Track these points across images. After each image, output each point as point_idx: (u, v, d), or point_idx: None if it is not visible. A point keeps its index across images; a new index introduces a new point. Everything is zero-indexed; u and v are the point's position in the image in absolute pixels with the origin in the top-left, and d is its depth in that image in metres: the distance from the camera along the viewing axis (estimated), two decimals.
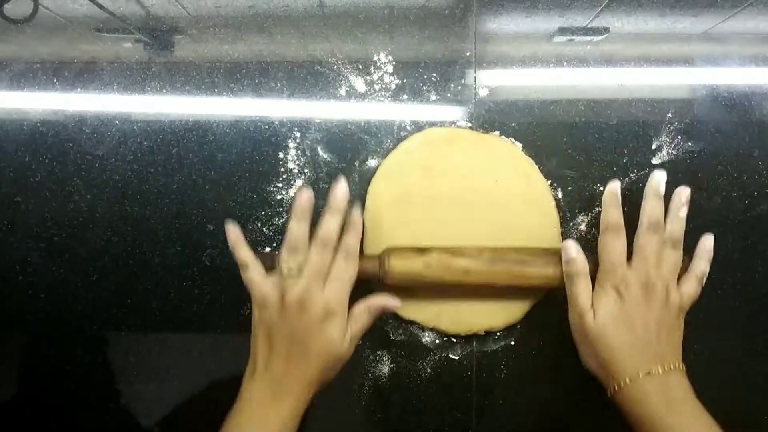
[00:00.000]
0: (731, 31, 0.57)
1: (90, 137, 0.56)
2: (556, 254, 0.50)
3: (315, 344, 0.46)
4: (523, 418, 0.54)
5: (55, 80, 0.56)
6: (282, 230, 0.54)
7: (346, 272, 0.48)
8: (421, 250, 0.50)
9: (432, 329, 0.54)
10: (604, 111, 0.55)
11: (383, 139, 0.55)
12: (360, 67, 0.55)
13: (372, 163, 0.55)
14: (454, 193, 0.53)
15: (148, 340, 0.51)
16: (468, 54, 0.56)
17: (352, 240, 0.49)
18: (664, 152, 0.55)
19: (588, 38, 0.56)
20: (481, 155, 0.54)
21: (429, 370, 0.54)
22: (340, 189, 0.49)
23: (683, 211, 0.49)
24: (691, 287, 0.48)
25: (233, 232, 0.49)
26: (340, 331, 0.47)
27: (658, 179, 0.49)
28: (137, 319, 0.55)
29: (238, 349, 0.54)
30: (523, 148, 0.55)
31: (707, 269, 0.49)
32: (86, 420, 0.56)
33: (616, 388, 0.46)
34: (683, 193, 0.50)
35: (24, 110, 0.56)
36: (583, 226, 0.54)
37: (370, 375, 0.54)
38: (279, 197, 0.55)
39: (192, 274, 0.54)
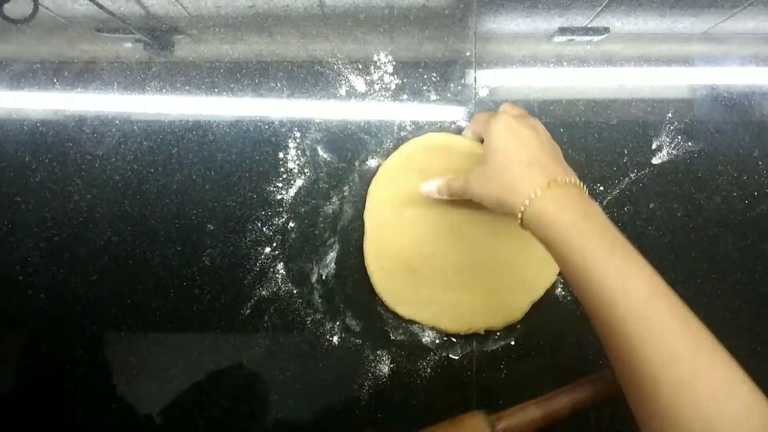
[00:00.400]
0: (731, 31, 0.57)
1: (90, 137, 0.56)
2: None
3: None
4: None
5: (55, 80, 0.56)
6: (282, 230, 0.54)
7: None
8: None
9: (432, 328, 0.54)
10: (604, 111, 0.55)
11: (383, 139, 0.55)
12: (360, 67, 0.55)
13: (372, 163, 0.55)
14: None
15: (148, 340, 0.51)
16: (468, 54, 0.56)
17: None
18: (664, 152, 0.55)
19: (588, 38, 0.56)
20: (477, 161, 0.54)
21: (429, 370, 0.54)
22: None
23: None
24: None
25: None
26: None
27: None
28: (137, 319, 0.55)
29: (238, 348, 0.55)
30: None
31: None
32: (86, 420, 0.56)
33: (523, 209, 0.42)
34: None
35: (24, 110, 0.56)
36: None
37: (370, 375, 0.54)
38: (279, 197, 0.55)
39: (192, 274, 0.54)
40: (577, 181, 0.43)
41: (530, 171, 0.43)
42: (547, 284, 0.53)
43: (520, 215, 0.42)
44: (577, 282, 0.39)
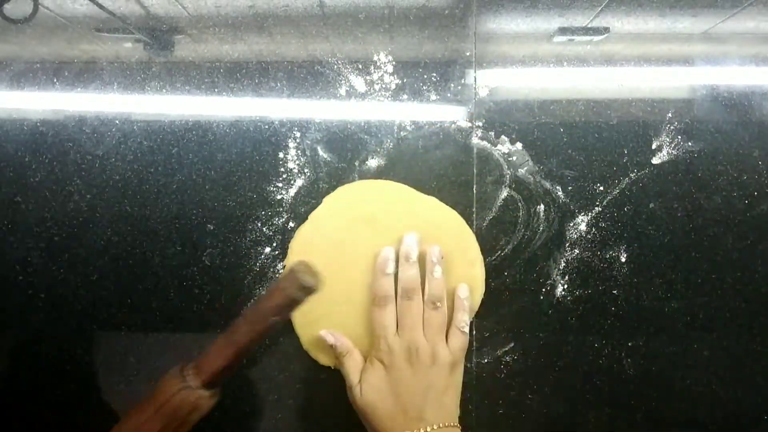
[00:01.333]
0: (731, 31, 0.57)
1: (90, 137, 0.56)
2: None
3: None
4: (523, 418, 0.54)
5: (55, 80, 0.56)
6: (282, 230, 0.54)
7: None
8: None
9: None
10: (604, 111, 0.55)
11: (383, 139, 0.55)
12: (360, 67, 0.55)
13: (372, 163, 0.55)
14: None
15: (148, 340, 0.51)
16: (468, 54, 0.56)
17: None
18: (664, 152, 0.55)
19: (588, 38, 0.56)
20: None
21: None
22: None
23: (437, 271, 0.50)
24: (457, 340, 0.49)
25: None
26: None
27: (409, 244, 0.50)
28: (137, 319, 0.55)
29: None
30: (523, 147, 0.55)
31: (467, 318, 0.50)
32: (86, 420, 0.56)
33: None
34: (434, 253, 0.50)
35: (24, 110, 0.56)
36: (583, 226, 0.54)
37: None
38: (279, 197, 0.55)
39: (192, 274, 0.54)
40: (451, 421, 0.47)
41: (394, 426, 0.46)
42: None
43: None
44: None
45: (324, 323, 0.53)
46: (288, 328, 0.54)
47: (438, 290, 0.49)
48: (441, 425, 0.46)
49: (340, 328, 0.53)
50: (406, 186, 0.54)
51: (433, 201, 0.54)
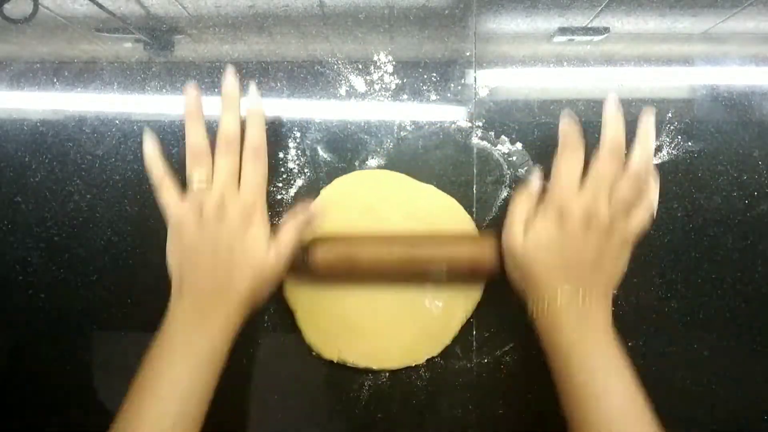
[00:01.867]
0: (731, 31, 0.57)
1: (90, 137, 0.56)
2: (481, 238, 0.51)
3: (239, 254, 0.45)
4: (523, 418, 0.54)
5: (55, 80, 0.56)
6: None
7: (256, 172, 0.47)
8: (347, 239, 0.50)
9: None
10: (596, 110, 0.55)
11: (383, 139, 0.55)
12: (360, 67, 0.55)
13: (372, 163, 0.55)
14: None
15: (147, 340, 0.51)
16: (468, 54, 0.56)
17: (255, 134, 0.47)
18: (664, 152, 0.55)
19: (588, 38, 0.56)
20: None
21: (429, 371, 0.54)
22: (229, 82, 0.47)
23: (653, 137, 0.47)
24: (640, 219, 0.46)
25: (150, 145, 0.48)
26: (262, 237, 0.46)
27: (613, 99, 0.47)
28: (137, 319, 0.55)
29: (238, 348, 0.54)
30: (523, 147, 0.55)
31: (657, 198, 0.47)
32: (86, 420, 0.56)
33: (535, 310, 0.45)
34: (648, 119, 0.47)
35: (24, 110, 0.56)
36: None
37: (370, 375, 0.54)
38: (279, 197, 0.55)
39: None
40: (606, 296, 0.45)
41: (553, 283, 0.45)
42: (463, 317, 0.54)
43: (529, 316, 0.46)
44: (562, 382, 0.44)
45: (326, 317, 0.53)
46: (289, 327, 0.54)
47: (646, 164, 0.46)
48: (598, 295, 0.44)
49: (343, 322, 0.53)
50: (403, 175, 0.54)
51: (431, 189, 0.54)
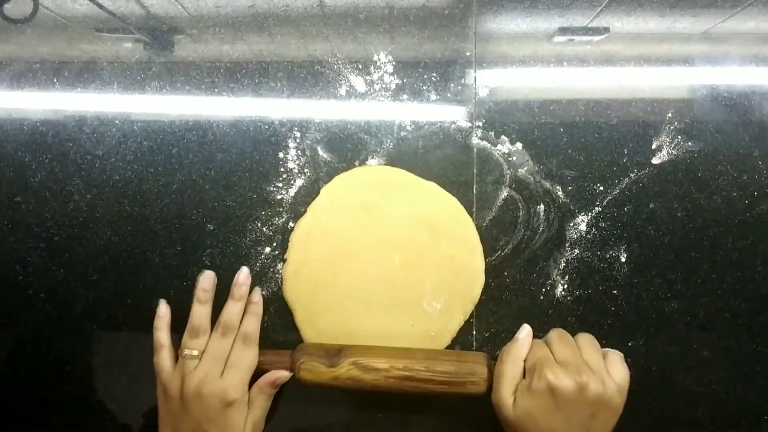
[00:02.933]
0: (731, 31, 0.57)
1: (90, 137, 0.56)
2: (468, 368, 0.49)
3: (216, 430, 0.47)
4: None
5: (55, 80, 0.56)
6: (282, 230, 0.55)
7: (244, 359, 0.49)
8: (332, 363, 0.49)
9: None
10: (604, 111, 0.55)
11: (383, 139, 0.55)
12: (360, 67, 0.55)
13: (372, 163, 0.55)
14: (378, 233, 0.53)
15: (147, 340, 0.51)
16: (468, 54, 0.56)
17: (251, 326, 0.51)
18: (664, 152, 0.55)
19: (588, 38, 0.56)
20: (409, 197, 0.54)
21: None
22: (243, 276, 0.52)
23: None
24: (619, 368, 0.47)
25: (162, 311, 0.51)
26: (240, 418, 0.48)
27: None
28: (137, 319, 0.55)
29: None
30: (523, 147, 0.55)
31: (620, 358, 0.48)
32: (86, 420, 0.56)
33: None
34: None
35: (24, 110, 0.56)
36: (583, 226, 0.54)
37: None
38: (279, 197, 0.55)
39: (192, 274, 0.54)
40: None
41: None
42: (462, 318, 0.53)
43: None
44: None
45: (326, 317, 0.53)
46: (289, 327, 0.54)
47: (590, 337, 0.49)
48: None
49: (343, 322, 0.53)
50: (405, 171, 0.54)
51: (433, 187, 0.54)
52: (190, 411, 0.47)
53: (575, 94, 0.55)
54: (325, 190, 0.54)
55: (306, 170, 0.55)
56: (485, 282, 0.54)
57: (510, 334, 0.54)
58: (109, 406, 0.56)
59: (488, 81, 0.55)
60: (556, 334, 0.48)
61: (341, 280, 0.53)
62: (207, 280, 0.52)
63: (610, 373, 0.46)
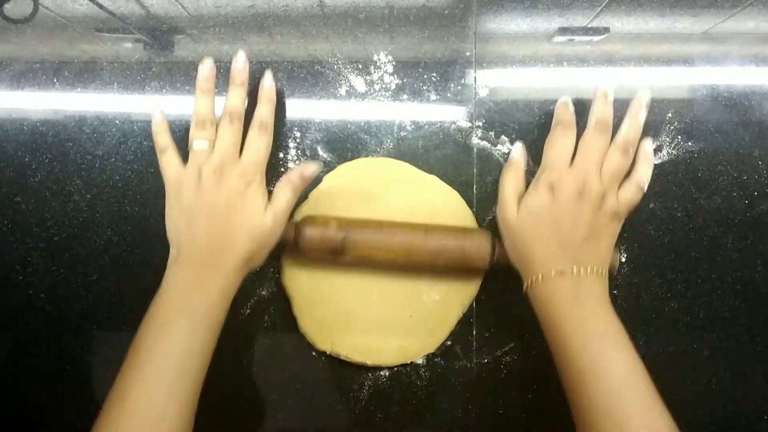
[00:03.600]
0: (731, 31, 0.57)
1: (90, 137, 0.56)
2: (476, 230, 0.51)
3: (236, 216, 0.46)
4: (523, 418, 0.54)
5: (55, 80, 0.56)
6: None
7: (260, 141, 0.48)
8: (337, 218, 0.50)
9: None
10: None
11: (383, 139, 0.55)
12: (360, 67, 0.55)
13: None
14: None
15: None
16: (468, 54, 0.56)
17: (265, 111, 0.49)
18: (664, 152, 0.55)
19: (588, 38, 0.56)
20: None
21: (429, 371, 0.54)
22: (240, 61, 0.50)
23: (642, 115, 0.48)
24: (630, 193, 0.47)
25: (158, 116, 0.50)
26: (260, 200, 0.46)
27: (607, 84, 0.49)
28: (137, 319, 0.54)
29: (238, 348, 0.55)
30: (523, 147, 0.55)
31: (649, 174, 0.48)
32: (86, 420, 0.56)
33: (530, 283, 0.46)
34: (644, 96, 0.49)
35: (24, 110, 0.56)
36: None
37: (370, 375, 0.54)
38: None
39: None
40: (600, 268, 0.45)
41: (546, 255, 0.45)
42: (459, 312, 0.54)
43: (524, 289, 0.46)
44: (560, 355, 0.44)
45: (323, 306, 0.53)
46: (288, 326, 0.54)
47: (634, 135, 0.48)
48: (592, 269, 0.45)
49: (339, 311, 0.53)
50: (407, 164, 0.54)
51: (434, 180, 0.54)
52: (208, 196, 0.46)
53: (575, 94, 0.55)
54: (328, 178, 0.54)
55: None
56: (486, 282, 0.54)
57: (510, 334, 0.54)
58: None
59: (488, 81, 0.55)
60: (596, 120, 0.48)
61: (340, 269, 0.53)
62: (207, 67, 0.50)
63: (619, 190, 0.47)
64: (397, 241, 0.49)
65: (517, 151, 0.50)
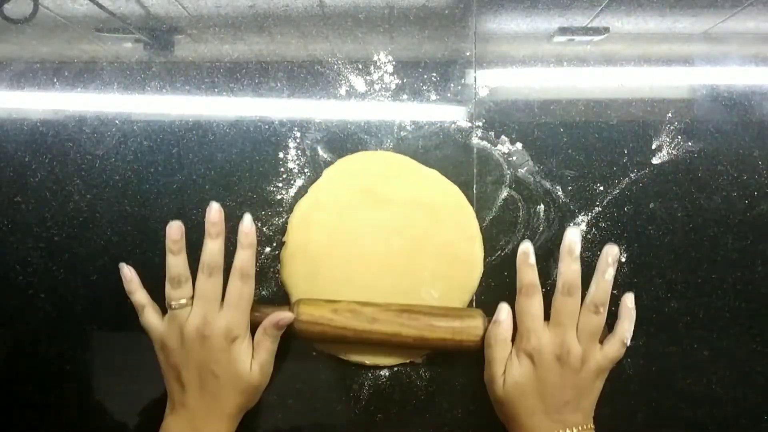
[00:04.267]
0: (731, 31, 0.57)
1: (90, 137, 0.56)
2: (465, 312, 0.51)
3: (224, 373, 0.46)
4: None
5: (55, 80, 0.56)
6: (282, 230, 0.54)
7: (242, 296, 0.48)
8: (332, 301, 0.50)
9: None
10: (604, 111, 0.55)
11: (383, 139, 0.55)
12: (360, 67, 0.55)
13: None
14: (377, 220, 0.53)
15: (148, 340, 0.51)
16: (468, 54, 0.56)
17: (245, 259, 0.49)
18: (664, 152, 0.55)
19: (588, 38, 0.56)
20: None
21: (429, 370, 0.54)
22: (214, 212, 0.49)
23: (609, 274, 0.49)
24: (614, 348, 0.48)
25: (128, 275, 0.50)
26: (245, 357, 0.47)
27: (571, 239, 0.49)
28: (137, 319, 0.55)
29: None
30: (523, 147, 0.55)
31: (631, 330, 0.49)
32: (86, 420, 0.56)
33: None
34: (611, 252, 0.49)
35: (24, 110, 0.56)
36: (583, 226, 0.54)
37: (370, 375, 0.54)
38: (279, 197, 0.55)
39: (192, 274, 0.54)
40: (587, 425, 0.47)
41: (536, 424, 0.46)
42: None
43: None
44: None
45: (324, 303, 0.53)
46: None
47: (604, 294, 0.48)
48: (580, 428, 0.46)
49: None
50: (408, 158, 0.54)
51: (434, 174, 0.54)
52: (193, 356, 0.46)
53: (575, 94, 0.55)
54: (328, 172, 0.54)
55: (306, 170, 0.55)
56: (486, 282, 0.54)
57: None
58: (108, 406, 0.56)
59: (488, 81, 0.55)
60: (563, 283, 0.48)
61: (339, 264, 0.53)
62: (174, 229, 0.49)
63: (603, 346, 0.48)
64: (389, 318, 0.50)
65: (504, 314, 0.49)
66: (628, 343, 0.49)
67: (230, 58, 0.56)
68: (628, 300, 0.50)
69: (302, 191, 0.55)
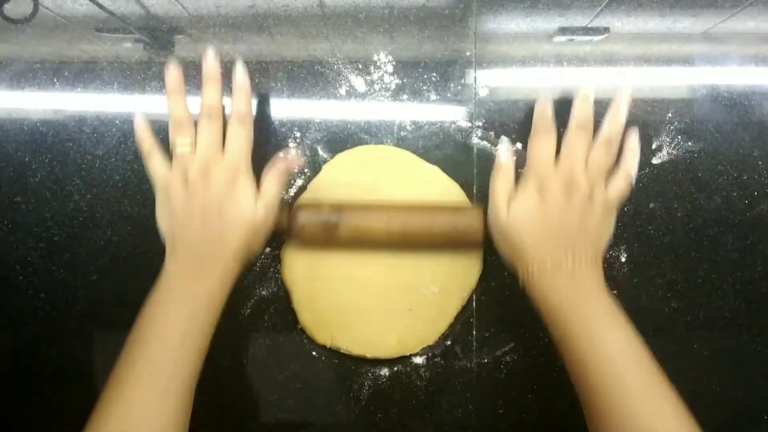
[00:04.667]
0: (731, 31, 0.57)
1: (90, 137, 0.56)
2: (466, 207, 0.52)
3: (228, 212, 0.46)
4: (523, 418, 0.54)
5: (55, 80, 0.56)
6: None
7: (241, 135, 0.48)
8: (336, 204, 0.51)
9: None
10: (604, 111, 0.55)
11: (383, 139, 0.55)
12: (360, 67, 0.55)
13: None
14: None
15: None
16: (468, 54, 0.56)
17: (241, 103, 0.49)
18: (664, 152, 0.55)
19: (588, 38, 0.56)
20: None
21: (429, 370, 0.54)
22: (210, 57, 0.50)
23: (623, 109, 0.49)
24: (619, 184, 0.48)
25: (140, 120, 0.50)
26: (249, 193, 0.47)
27: (586, 87, 0.50)
28: (137, 319, 0.55)
29: (238, 348, 0.55)
30: (523, 147, 0.55)
31: (636, 166, 0.49)
32: (86, 420, 0.56)
33: (526, 277, 0.46)
34: (625, 90, 0.49)
35: (24, 110, 0.56)
36: None
37: (370, 375, 0.54)
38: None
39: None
40: (595, 259, 0.46)
41: (540, 249, 0.46)
42: (459, 303, 0.54)
43: (520, 283, 0.47)
44: (559, 339, 0.45)
45: (323, 299, 0.53)
46: (288, 325, 0.54)
47: (616, 130, 0.48)
48: (587, 259, 0.45)
49: (339, 304, 0.53)
50: (408, 152, 0.54)
51: (435, 170, 0.54)
52: (198, 196, 0.46)
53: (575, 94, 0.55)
54: (327, 168, 0.54)
55: (306, 170, 0.55)
56: (486, 282, 0.54)
57: (510, 334, 0.54)
58: None
59: (488, 81, 0.55)
60: (577, 120, 0.49)
61: (339, 261, 0.53)
62: (172, 70, 0.49)
63: (608, 183, 0.48)
64: (390, 215, 0.50)
65: (504, 152, 0.50)
66: (634, 180, 0.48)
67: (230, 58, 0.56)
68: (632, 137, 0.49)
69: (302, 191, 0.55)
